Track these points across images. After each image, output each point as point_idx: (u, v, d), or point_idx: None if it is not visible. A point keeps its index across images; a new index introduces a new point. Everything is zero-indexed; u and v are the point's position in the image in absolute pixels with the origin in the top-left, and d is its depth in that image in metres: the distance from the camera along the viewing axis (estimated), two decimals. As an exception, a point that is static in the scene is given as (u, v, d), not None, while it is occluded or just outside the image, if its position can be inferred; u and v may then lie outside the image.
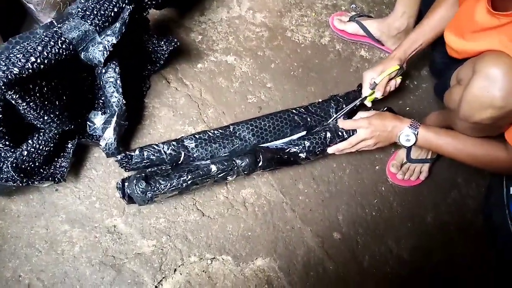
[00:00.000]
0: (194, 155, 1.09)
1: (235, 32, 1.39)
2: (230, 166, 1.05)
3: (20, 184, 0.94)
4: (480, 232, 1.29)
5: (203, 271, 1.10)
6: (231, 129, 1.13)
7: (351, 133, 1.12)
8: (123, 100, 1.03)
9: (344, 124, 1.12)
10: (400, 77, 1.18)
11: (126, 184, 1.03)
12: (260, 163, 1.07)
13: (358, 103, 1.18)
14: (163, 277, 1.07)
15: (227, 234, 1.14)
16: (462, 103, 0.90)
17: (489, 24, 0.89)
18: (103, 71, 0.99)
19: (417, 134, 1.05)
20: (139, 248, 1.09)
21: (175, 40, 1.15)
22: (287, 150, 1.11)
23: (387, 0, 1.57)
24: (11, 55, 0.82)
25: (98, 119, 1.09)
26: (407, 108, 1.38)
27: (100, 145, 1.05)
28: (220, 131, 1.12)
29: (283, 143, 1.14)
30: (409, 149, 1.25)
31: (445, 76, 1.16)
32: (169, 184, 1.01)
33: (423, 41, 1.13)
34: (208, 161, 1.05)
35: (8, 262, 1.03)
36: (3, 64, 0.80)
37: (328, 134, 1.11)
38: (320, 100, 1.23)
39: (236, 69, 1.33)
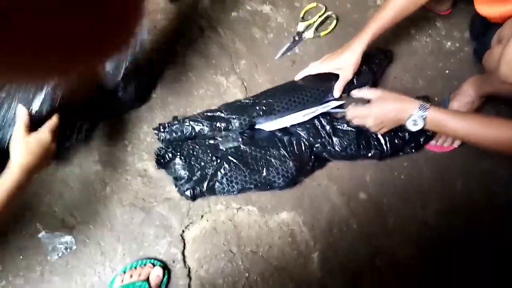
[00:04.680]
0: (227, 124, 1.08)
1: (272, -20, 1.33)
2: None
3: None
4: (505, 204, 1.26)
5: (229, 219, 1.12)
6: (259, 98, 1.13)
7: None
8: None
9: (352, 112, 1.06)
10: None
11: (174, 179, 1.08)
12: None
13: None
14: (190, 222, 1.10)
15: (254, 186, 1.15)
16: (501, 62, 0.85)
17: None
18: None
19: (425, 118, 0.94)
20: (168, 193, 1.10)
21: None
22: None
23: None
24: None
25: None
26: (447, 71, 1.32)
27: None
28: (251, 100, 1.13)
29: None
30: None
31: (485, 39, 1.10)
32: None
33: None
34: None
35: (44, 197, 1.07)
36: None
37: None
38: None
39: (272, 20, 1.29)
